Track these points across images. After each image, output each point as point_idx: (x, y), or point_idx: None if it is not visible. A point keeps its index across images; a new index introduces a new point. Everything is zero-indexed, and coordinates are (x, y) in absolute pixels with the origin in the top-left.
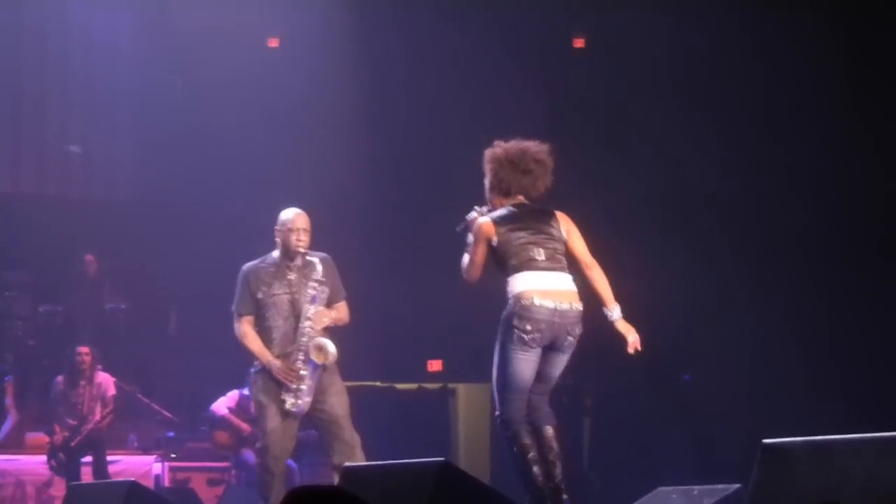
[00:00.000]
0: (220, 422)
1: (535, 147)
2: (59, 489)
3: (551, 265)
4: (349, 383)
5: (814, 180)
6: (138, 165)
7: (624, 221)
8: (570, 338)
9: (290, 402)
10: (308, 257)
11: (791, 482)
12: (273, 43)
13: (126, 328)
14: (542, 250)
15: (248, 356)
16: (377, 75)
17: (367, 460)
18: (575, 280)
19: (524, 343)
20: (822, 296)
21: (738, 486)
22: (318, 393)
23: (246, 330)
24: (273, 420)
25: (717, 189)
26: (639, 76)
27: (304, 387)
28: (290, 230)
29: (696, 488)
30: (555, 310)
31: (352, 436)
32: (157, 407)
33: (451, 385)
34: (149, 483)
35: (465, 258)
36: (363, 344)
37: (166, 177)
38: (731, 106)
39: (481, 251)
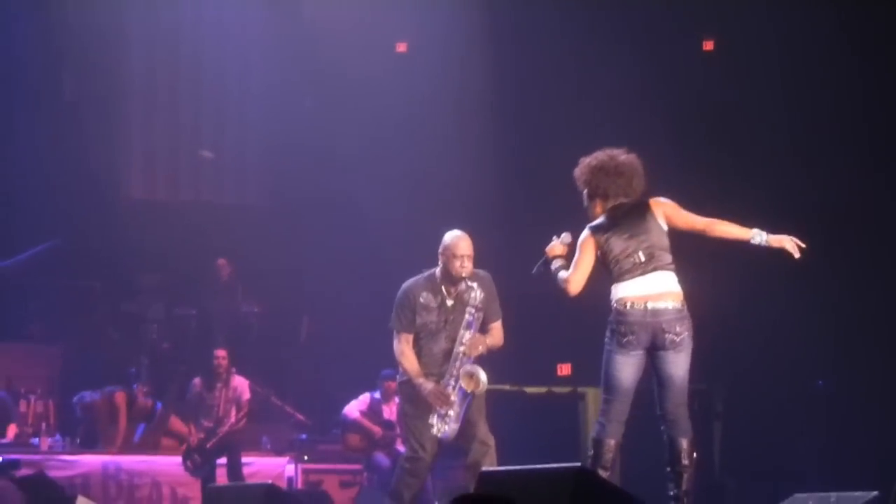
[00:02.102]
0: (352, 425)
1: (620, 152)
2: (193, 490)
3: (650, 266)
4: None
5: None
6: (269, 169)
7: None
8: (668, 335)
9: (437, 427)
10: (469, 282)
11: None
12: (401, 48)
13: (259, 331)
14: (641, 252)
15: (379, 359)
16: (504, 78)
17: (498, 464)
18: (680, 280)
19: (621, 346)
20: None
21: (875, 493)
22: (466, 426)
23: (405, 349)
24: (423, 431)
25: (850, 197)
26: (766, 79)
27: (451, 413)
28: (455, 256)
29: (834, 495)
30: (646, 310)
31: (486, 436)
32: (290, 410)
33: (580, 389)
34: (282, 485)
35: (563, 273)
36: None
37: (297, 180)
38: (860, 111)
39: (584, 263)
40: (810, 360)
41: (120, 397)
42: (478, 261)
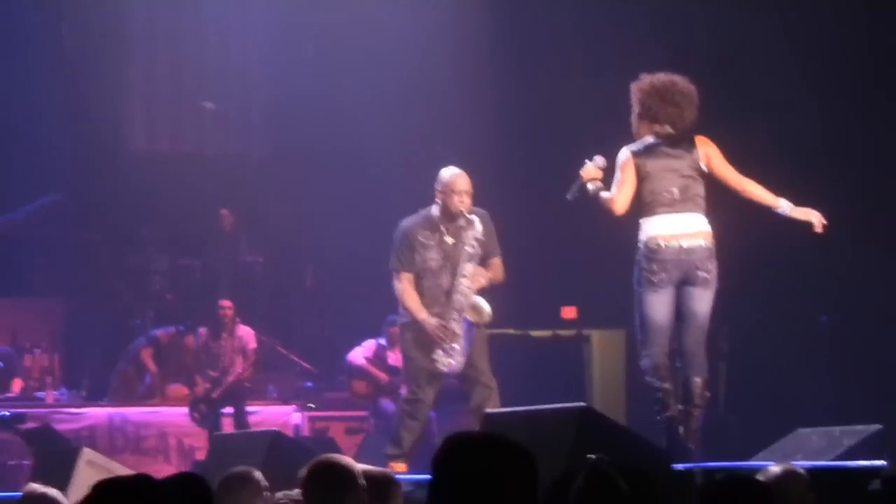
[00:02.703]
0: (358, 371)
1: (682, 81)
2: (199, 440)
3: (683, 205)
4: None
5: None
6: (272, 119)
7: (756, 161)
8: (701, 272)
9: (442, 361)
10: (468, 215)
11: None
12: None
13: (263, 281)
14: (676, 188)
15: (384, 306)
16: (505, 22)
17: (504, 407)
18: (709, 221)
19: (653, 284)
20: None
21: (878, 426)
22: (470, 360)
23: (405, 287)
24: (425, 375)
25: (859, 130)
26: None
27: (456, 346)
28: (453, 192)
29: (837, 429)
30: (680, 248)
31: (490, 378)
32: (295, 358)
33: (585, 332)
34: (288, 433)
35: (606, 194)
36: (497, 291)
37: (300, 130)
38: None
39: (627, 183)
40: (814, 298)
41: (146, 353)
42: (482, 204)
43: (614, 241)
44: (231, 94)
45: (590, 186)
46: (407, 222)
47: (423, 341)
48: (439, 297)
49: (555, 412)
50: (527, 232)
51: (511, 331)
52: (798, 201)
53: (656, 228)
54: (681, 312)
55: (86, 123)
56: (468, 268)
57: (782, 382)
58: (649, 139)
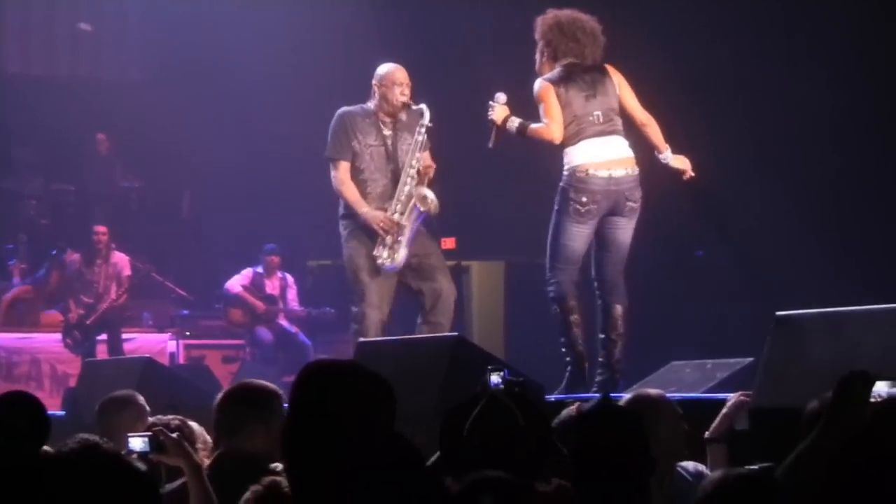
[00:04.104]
0: (235, 299)
1: (587, 18)
2: (73, 367)
3: (607, 128)
4: None
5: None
6: (149, 43)
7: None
8: (629, 202)
9: (384, 256)
10: (415, 106)
11: (803, 354)
12: None
13: (139, 207)
14: (599, 112)
15: (262, 234)
16: None
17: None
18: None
19: (580, 215)
20: (835, 167)
21: (750, 359)
22: (418, 248)
23: (343, 177)
24: (370, 282)
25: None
26: None
27: (401, 238)
28: (394, 83)
29: (710, 362)
30: (609, 178)
31: (451, 288)
32: (171, 285)
33: (464, 263)
34: (164, 361)
35: (537, 125)
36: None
37: (177, 55)
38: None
39: (555, 110)
40: (689, 231)
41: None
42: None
43: (493, 171)
44: (107, 16)
45: (509, 125)
46: (344, 109)
47: (363, 242)
48: (381, 195)
49: (428, 342)
50: None
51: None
52: (681, 142)
53: (583, 157)
54: (604, 241)
55: None
56: (416, 155)
57: (657, 315)
58: (559, 69)
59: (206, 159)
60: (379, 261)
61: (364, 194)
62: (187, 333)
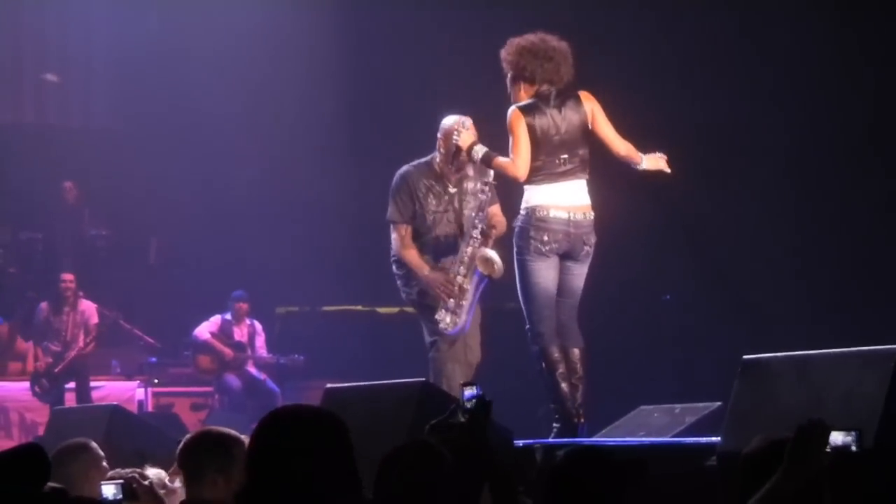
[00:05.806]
0: (203, 346)
1: (552, 37)
2: (42, 415)
3: (570, 171)
4: (330, 308)
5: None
6: (115, 93)
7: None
8: (585, 247)
9: (446, 321)
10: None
11: (770, 397)
12: None
13: (107, 255)
14: (565, 153)
15: (229, 281)
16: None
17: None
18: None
19: (541, 253)
20: (806, 211)
21: (719, 403)
22: None
23: (405, 241)
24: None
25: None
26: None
27: (464, 303)
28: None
29: (678, 406)
30: (569, 220)
31: (476, 356)
32: (139, 333)
33: None
34: (132, 408)
35: (503, 159)
36: (344, 268)
37: (144, 103)
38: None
39: (523, 143)
40: (657, 275)
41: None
42: (330, 196)
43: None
44: (73, 64)
45: (474, 153)
46: (406, 169)
47: (423, 301)
48: (441, 252)
49: (395, 387)
50: (382, 209)
51: (358, 307)
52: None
53: (544, 198)
54: (558, 287)
55: None
56: (481, 216)
57: (625, 359)
58: (531, 99)
59: (173, 206)
60: (441, 325)
61: (425, 257)
62: (155, 381)
